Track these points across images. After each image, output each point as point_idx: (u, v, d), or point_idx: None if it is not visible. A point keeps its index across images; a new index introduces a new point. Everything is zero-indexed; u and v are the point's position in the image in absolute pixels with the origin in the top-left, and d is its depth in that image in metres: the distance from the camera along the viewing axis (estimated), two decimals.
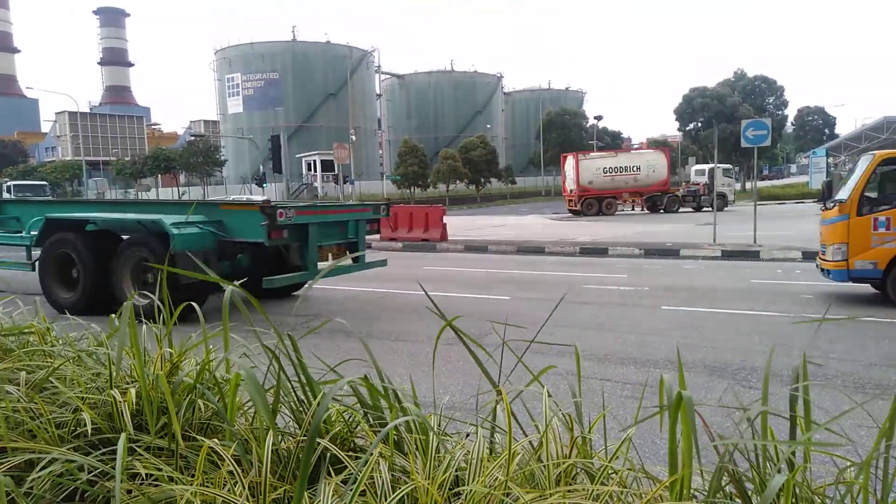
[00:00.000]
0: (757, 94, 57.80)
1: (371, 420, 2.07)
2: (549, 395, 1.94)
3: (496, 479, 1.65)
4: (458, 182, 53.84)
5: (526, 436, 1.95)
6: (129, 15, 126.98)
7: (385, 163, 75.79)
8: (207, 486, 1.58)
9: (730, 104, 51.51)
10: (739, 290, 10.37)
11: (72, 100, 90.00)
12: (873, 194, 8.86)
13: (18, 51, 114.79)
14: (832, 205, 9.11)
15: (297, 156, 52.99)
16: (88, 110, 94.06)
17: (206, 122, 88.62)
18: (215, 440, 1.74)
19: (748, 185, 22.34)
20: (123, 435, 1.69)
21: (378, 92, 76.42)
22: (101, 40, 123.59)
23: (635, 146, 65.73)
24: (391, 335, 7.25)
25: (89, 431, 1.82)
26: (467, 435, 2.04)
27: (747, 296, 9.83)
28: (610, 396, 5.01)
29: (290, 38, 66.23)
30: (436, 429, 2.00)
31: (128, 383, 2.19)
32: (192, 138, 62.21)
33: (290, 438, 2.00)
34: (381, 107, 77.99)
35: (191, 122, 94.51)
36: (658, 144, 54.22)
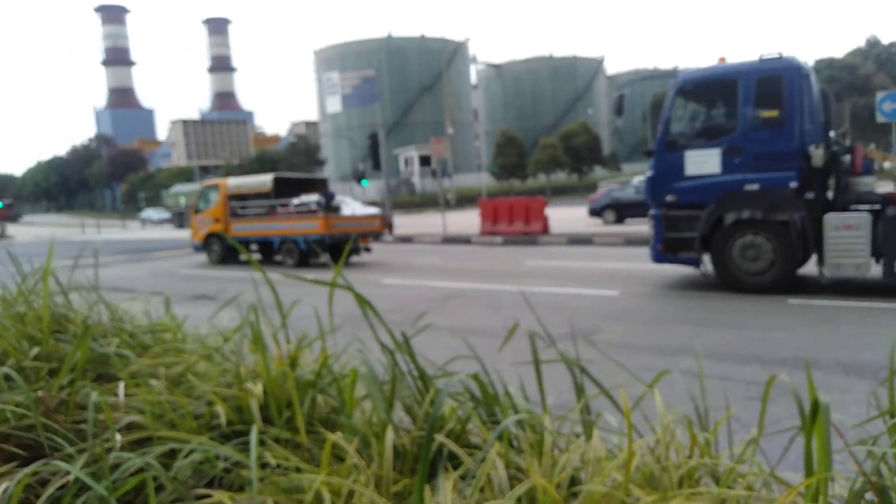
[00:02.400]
0: (894, 62, 53.38)
1: (483, 417, 2.10)
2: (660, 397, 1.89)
3: (614, 479, 1.63)
4: (558, 171, 53.06)
5: (641, 437, 1.92)
6: (231, 22, 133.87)
7: (482, 154, 75.96)
8: (333, 477, 1.66)
9: (862, 75, 47.88)
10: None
11: (185, 108, 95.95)
12: None
13: (134, 63, 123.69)
14: None
15: (395, 152, 54.10)
16: (199, 117, 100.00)
17: (307, 123, 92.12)
18: (339, 434, 1.81)
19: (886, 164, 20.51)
20: (255, 427, 1.79)
21: (473, 83, 76.62)
22: (210, 49, 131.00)
23: None
24: (494, 332, 7.25)
25: (224, 423, 1.95)
26: (578, 435, 2.03)
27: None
28: (732, 397, 4.79)
29: (386, 34, 67.59)
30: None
31: (253, 378, 2.33)
32: (295, 139, 64.86)
33: (406, 433, 2.06)
34: (476, 98, 78.16)
35: (292, 123, 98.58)
36: None
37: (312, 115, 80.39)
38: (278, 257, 16.45)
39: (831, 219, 8.40)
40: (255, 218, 16.57)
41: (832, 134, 9.37)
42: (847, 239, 8.27)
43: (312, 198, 16.04)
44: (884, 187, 9.84)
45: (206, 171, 75.88)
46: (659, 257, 9.73)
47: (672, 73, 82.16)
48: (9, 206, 64.48)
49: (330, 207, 15.98)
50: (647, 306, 8.50)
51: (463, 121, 69.90)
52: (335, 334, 2.42)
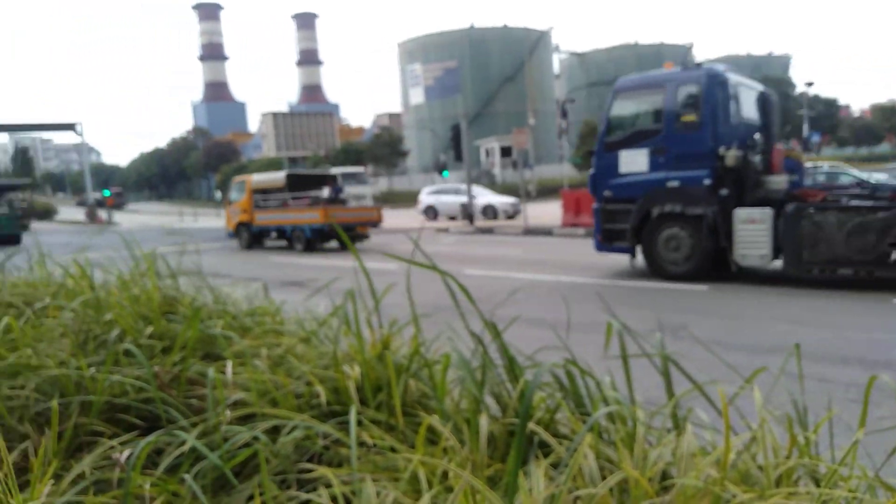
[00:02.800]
0: None
1: (571, 407, 2.12)
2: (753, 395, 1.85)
3: (708, 475, 1.61)
4: None
5: (736, 434, 1.89)
6: (318, 17, 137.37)
7: (564, 145, 74.93)
8: (429, 458, 1.72)
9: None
10: None
11: (274, 101, 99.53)
12: None
13: (228, 58, 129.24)
14: None
15: (476, 143, 54.17)
16: (287, 110, 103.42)
17: (390, 114, 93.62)
18: (435, 416, 1.88)
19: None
20: (353, 408, 1.89)
21: (556, 72, 75.53)
22: (298, 43, 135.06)
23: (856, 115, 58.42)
24: (576, 325, 7.20)
25: (324, 403, 2.05)
26: (669, 430, 2.02)
27: None
28: (832, 399, 4.57)
29: (468, 25, 67.58)
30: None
31: (349, 361, 2.43)
32: (378, 131, 66.11)
33: (495, 420, 2.11)
34: (559, 87, 77.02)
35: (376, 115, 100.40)
36: (887, 112, 47.66)
37: (396, 106, 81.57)
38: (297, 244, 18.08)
39: (739, 213, 9.28)
40: (273, 209, 18.65)
41: (756, 136, 10.08)
42: (752, 232, 9.12)
43: (324, 192, 18.38)
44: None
45: (294, 161, 78.46)
46: (600, 247, 10.85)
47: (764, 60, 78.22)
48: (117, 194, 69.10)
49: (332, 200, 18.06)
50: (737, 302, 8.19)
51: (545, 111, 69.06)
52: (424, 321, 2.49)
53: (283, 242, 19.02)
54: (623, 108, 10.64)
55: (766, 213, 9.12)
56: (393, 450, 1.89)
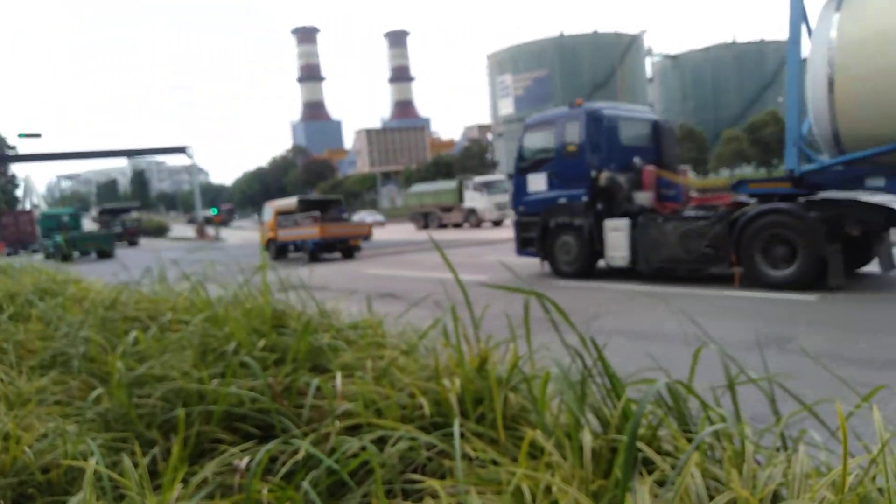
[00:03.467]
0: None
1: (675, 424, 2.07)
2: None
3: (824, 497, 1.54)
4: (743, 165, 49.32)
5: (853, 457, 1.79)
6: (409, 34, 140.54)
7: None
8: (533, 472, 1.74)
9: None
10: None
11: (367, 118, 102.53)
12: None
13: (324, 79, 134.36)
14: None
15: None
16: (380, 126, 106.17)
17: (479, 126, 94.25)
18: (538, 431, 1.89)
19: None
20: (457, 420, 1.94)
21: (649, 76, 73.60)
22: (390, 60, 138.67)
23: None
24: (675, 337, 6.96)
25: (428, 414, 2.11)
26: (777, 449, 1.94)
27: None
28: None
29: (558, 33, 67.16)
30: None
31: (448, 374, 2.48)
32: (468, 143, 66.70)
33: (596, 436, 2.09)
34: (652, 91, 74.97)
35: (466, 127, 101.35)
36: None
37: (486, 118, 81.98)
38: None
39: (606, 223, 11.38)
40: (289, 227, 22.06)
41: (636, 160, 11.81)
42: (615, 238, 11.18)
43: (332, 214, 22.73)
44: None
45: (387, 176, 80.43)
46: (518, 252, 13.25)
47: None
48: (228, 210, 73.48)
49: (330, 219, 21.74)
50: (850, 312, 7.66)
51: None
52: (517, 334, 2.51)
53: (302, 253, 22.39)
54: (530, 140, 12.90)
55: (624, 222, 11.15)
56: (495, 463, 1.92)
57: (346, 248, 21.06)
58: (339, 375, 2.39)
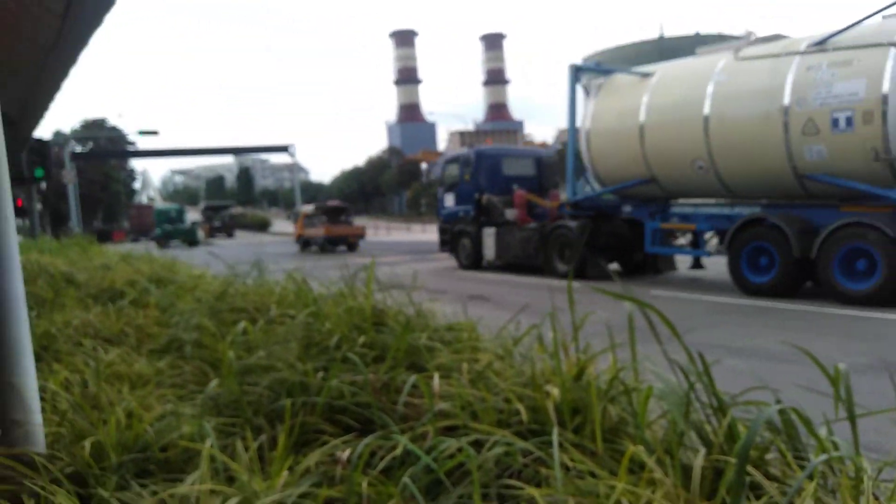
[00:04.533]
0: None
1: (783, 448, 1.97)
2: None
3: None
4: None
5: None
6: (505, 37, 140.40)
7: None
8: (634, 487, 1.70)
9: None
10: None
11: (461, 120, 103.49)
12: None
13: (421, 81, 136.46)
14: None
15: None
16: (473, 128, 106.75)
17: None
18: (640, 447, 1.85)
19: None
20: (556, 429, 1.92)
21: None
22: (485, 63, 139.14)
23: None
24: (777, 356, 6.56)
25: (525, 421, 2.10)
26: None
27: None
28: None
29: (658, 35, 65.13)
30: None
31: (545, 382, 2.46)
32: (561, 146, 65.87)
33: (696, 452, 2.02)
34: None
35: (559, 130, 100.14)
36: None
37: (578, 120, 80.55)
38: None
39: (483, 231, 15.89)
40: (309, 227, 28.88)
41: (515, 186, 16.14)
42: (487, 241, 15.68)
43: (339, 218, 29.00)
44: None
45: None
46: (440, 249, 18.31)
47: None
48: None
49: (333, 222, 28.17)
50: None
51: None
52: (620, 344, 2.45)
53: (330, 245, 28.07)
54: (447, 169, 18.19)
55: (492, 230, 15.68)
56: (593, 475, 1.88)
57: (348, 244, 28.26)
58: (436, 376, 2.42)
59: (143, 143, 52.08)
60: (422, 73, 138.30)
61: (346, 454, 2.08)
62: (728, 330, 7.79)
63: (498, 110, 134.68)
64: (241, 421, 2.51)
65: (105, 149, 57.97)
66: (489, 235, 15.67)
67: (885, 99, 8.56)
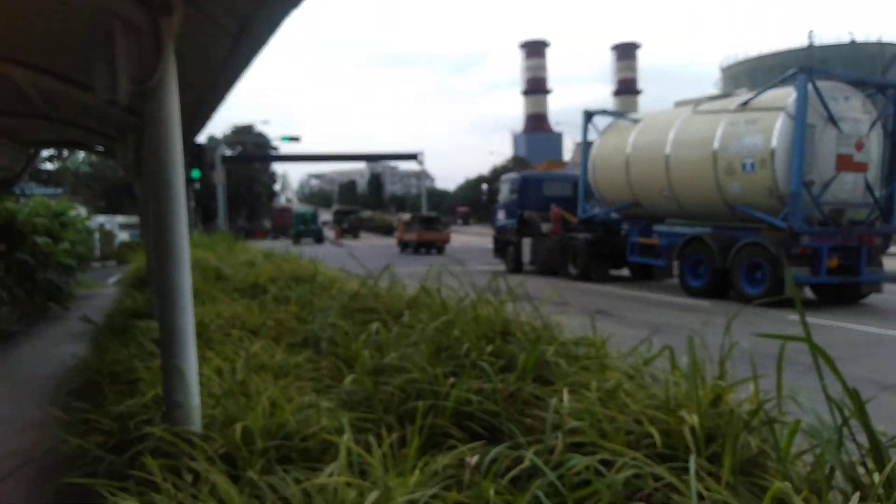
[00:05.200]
0: None
1: None
2: None
3: None
4: None
5: None
6: (639, 46, 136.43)
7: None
8: None
9: None
10: None
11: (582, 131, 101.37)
12: None
13: (549, 91, 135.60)
14: None
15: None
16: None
17: None
18: (788, 483, 1.75)
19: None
20: (693, 457, 1.86)
21: None
22: (617, 73, 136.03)
23: None
24: None
25: (658, 444, 2.05)
26: None
27: None
28: None
29: (807, 43, 60.66)
30: None
31: (677, 406, 2.37)
32: None
33: (840, 496, 1.87)
34: None
35: None
36: None
37: None
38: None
39: (522, 241, 19.01)
40: (408, 232, 34.07)
41: (553, 205, 18.88)
42: (525, 250, 18.85)
43: (432, 225, 34.25)
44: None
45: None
46: (494, 256, 21.15)
47: None
48: (464, 214, 78.73)
49: (425, 228, 33.40)
50: None
51: None
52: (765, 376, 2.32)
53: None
54: (502, 188, 21.13)
55: (528, 240, 18.78)
56: None
57: (437, 247, 32.33)
58: (565, 391, 2.41)
59: (284, 148, 55.51)
60: (551, 83, 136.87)
61: (474, 460, 2.11)
62: (878, 362, 7.12)
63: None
64: (374, 418, 2.62)
65: (251, 153, 62.53)
66: (527, 245, 18.85)
67: (773, 151, 11.51)
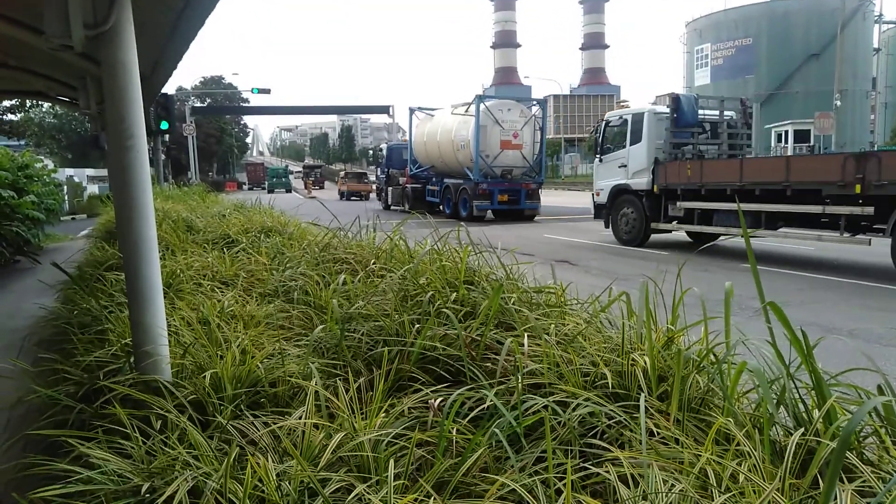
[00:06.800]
0: None
1: (882, 432, 1.93)
2: None
3: None
4: None
5: None
6: (608, 1, 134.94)
7: (878, 129, 63.74)
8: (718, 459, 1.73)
9: None
10: None
11: (556, 84, 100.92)
12: None
13: (520, 45, 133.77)
14: None
15: (767, 126, 48.78)
16: (569, 93, 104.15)
17: (670, 95, 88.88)
18: (730, 420, 1.86)
19: None
20: (643, 395, 1.97)
21: (875, 46, 64.05)
22: (583, 27, 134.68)
23: None
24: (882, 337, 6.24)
25: (610, 385, 2.15)
26: None
27: None
28: None
29: None
30: None
31: (631, 349, 2.48)
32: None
33: (787, 432, 2.01)
34: (877, 64, 65.23)
35: (657, 97, 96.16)
36: None
37: (678, 87, 76.89)
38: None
39: (388, 188, 29.26)
40: (343, 184, 43.57)
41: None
42: (390, 194, 28.93)
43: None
44: None
45: (571, 143, 78.95)
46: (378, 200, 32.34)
47: None
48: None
49: (354, 180, 44.04)
50: None
51: (856, 91, 58.70)
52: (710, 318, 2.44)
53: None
54: (384, 153, 31.39)
55: (390, 189, 28.59)
56: (677, 441, 1.92)
57: (362, 196, 41.05)
58: (525, 336, 2.50)
59: (255, 101, 54.59)
60: (521, 37, 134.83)
61: (437, 402, 2.21)
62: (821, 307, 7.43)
63: (595, 75, 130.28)
64: (342, 364, 2.69)
65: (221, 105, 61.02)
66: (390, 192, 28.22)
67: (469, 140, 20.91)
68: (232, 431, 2.15)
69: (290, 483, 1.78)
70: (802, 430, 1.86)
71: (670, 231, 13.38)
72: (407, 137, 29.43)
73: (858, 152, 10.75)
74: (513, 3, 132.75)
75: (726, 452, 1.78)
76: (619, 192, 14.24)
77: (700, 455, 1.75)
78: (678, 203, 12.68)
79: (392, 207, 27.65)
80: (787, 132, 44.99)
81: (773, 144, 46.57)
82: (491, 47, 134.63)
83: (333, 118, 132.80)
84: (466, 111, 21.14)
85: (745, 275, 9.48)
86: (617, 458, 1.81)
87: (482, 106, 20.42)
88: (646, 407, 2.07)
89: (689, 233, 13.73)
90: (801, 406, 2.05)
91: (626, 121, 14.18)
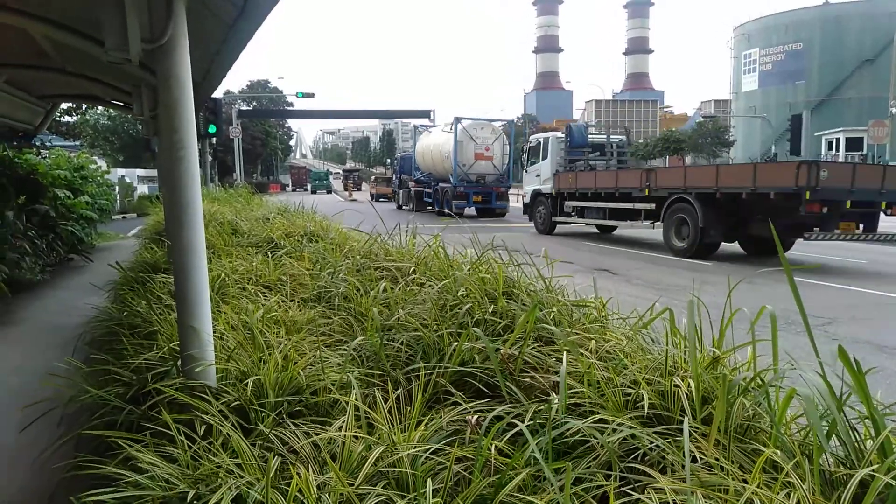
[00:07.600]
0: None
1: None
2: None
3: None
4: None
5: None
6: (653, 4, 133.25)
7: None
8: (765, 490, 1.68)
9: None
10: None
11: (599, 89, 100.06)
12: None
13: (562, 50, 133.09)
14: None
15: (817, 134, 47.32)
16: (611, 97, 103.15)
17: (716, 101, 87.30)
18: (778, 451, 1.81)
19: None
20: (686, 420, 1.93)
21: None
22: (627, 31, 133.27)
23: None
24: None
25: (646, 407, 2.11)
26: None
27: None
28: None
29: (822, 1, 59.11)
30: None
31: (673, 368, 2.44)
32: (702, 119, 62.14)
33: (839, 463, 1.94)
34: None
35: (701, 102, 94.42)
36: None
37: (723, 93, 75.29)
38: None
39: (399, 191, 36.17)
40: (373, 187, 50.63)
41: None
42: (402, 196, 34.72)
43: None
44: None
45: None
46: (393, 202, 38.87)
47: None
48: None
49: (381, 184, 49.47)
50: None
51: None
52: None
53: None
54: (400, 162, 37.77)
55: (403, 191, 34.22)
56: (722, 468, 1.87)
57: (389, 198, 42.50)
58: (565, 353, 2.48)
59: (299, 105, 55.41)
60: (563, 42, 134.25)
61: (475, 418, 2.20)
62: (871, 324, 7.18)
63: (638, 80, 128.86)
64: (381, 373, 2.71)
65: (266, 108, 62.41)
66: (401, 194, 33.60)
67: (451, 152, 26.00)
68: (273, 440, 2.19)
69: (329, 496, 1.80)
70: (861, 466, 1.79)
71: (568, 223, 18.44)
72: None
73: (647, 168, 16.97)
74: (556, 8, 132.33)
75: (773, 481, 1.74)
76: (536, 195, 19.38)
77: (746, 484, 1.71)
78: (567, 202, 17.47)
79: (402, 207, 32.82)
80: (838, 140, 43.58)
81: (822, 153, 45.13)
82: (533, 52, 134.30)
83: (375, 122, 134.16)
84: (451, 129, 26.39)
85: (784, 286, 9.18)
86: (659, 485, 1.78)
87: (459, 126, 25.92)
88: (690, 431, 2.02)
89: (597, 226, 17.92)
90: (853, 435, 1.98)
91: (539, 143, 19.79)
